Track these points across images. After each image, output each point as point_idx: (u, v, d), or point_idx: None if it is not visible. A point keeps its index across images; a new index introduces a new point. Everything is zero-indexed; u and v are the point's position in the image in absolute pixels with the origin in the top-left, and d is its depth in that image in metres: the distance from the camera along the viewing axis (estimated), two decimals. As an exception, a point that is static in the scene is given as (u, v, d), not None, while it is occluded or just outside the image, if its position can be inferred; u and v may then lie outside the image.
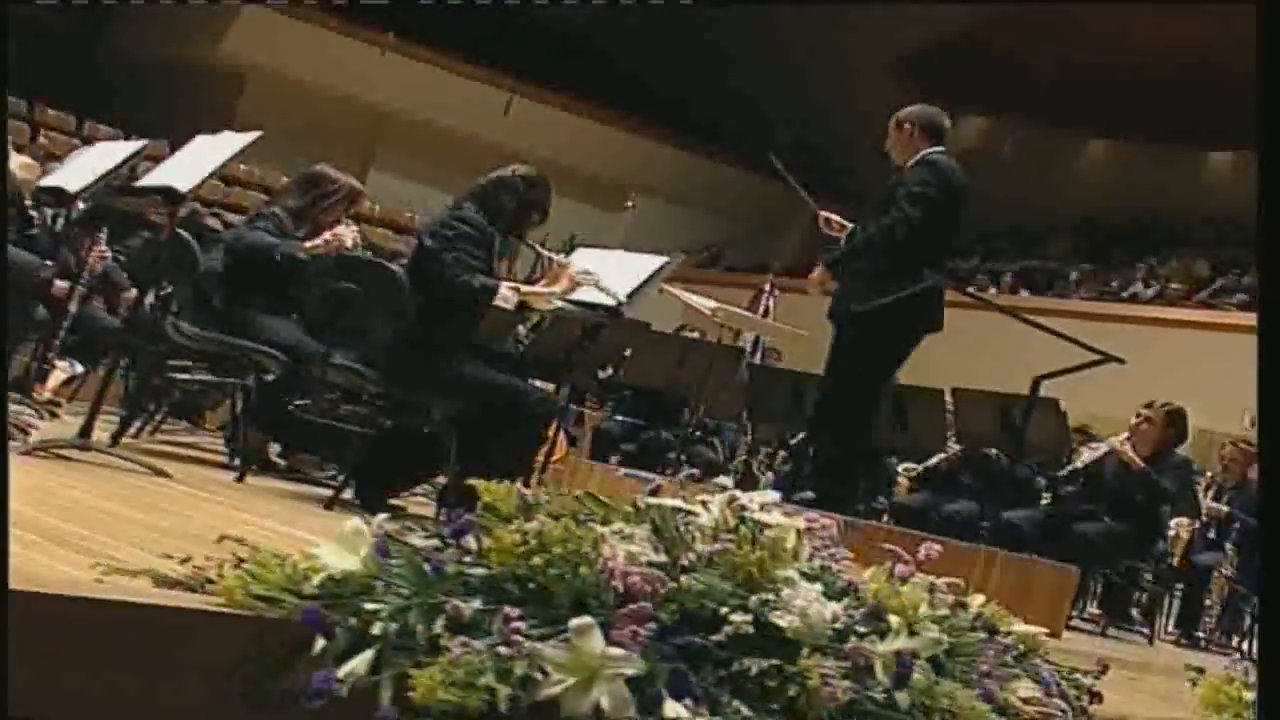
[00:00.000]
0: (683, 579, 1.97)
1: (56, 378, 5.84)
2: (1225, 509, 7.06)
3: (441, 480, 4.65)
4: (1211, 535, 7.02)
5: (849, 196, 22.20)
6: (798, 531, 2.18)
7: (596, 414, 8.09)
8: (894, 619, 2.06)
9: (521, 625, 1.80)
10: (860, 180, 21.67)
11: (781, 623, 1.95)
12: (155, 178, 4.21)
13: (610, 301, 4.55)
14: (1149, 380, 9.90)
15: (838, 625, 2.04)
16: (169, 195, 4.04)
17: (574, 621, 1.81)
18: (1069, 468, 6.42)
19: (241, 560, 1.90)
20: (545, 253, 4.89)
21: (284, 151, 17.62)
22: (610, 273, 4.69)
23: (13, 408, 4.70)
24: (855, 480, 5.32)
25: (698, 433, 7.61)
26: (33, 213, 3.83)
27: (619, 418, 7.32)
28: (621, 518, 2.15)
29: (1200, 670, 3.10)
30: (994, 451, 6.73)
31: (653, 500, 2.19)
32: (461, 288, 4.15)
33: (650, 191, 20.34)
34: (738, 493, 2.21)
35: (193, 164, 4.14)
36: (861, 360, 5.17)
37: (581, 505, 2.17)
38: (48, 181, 3.86)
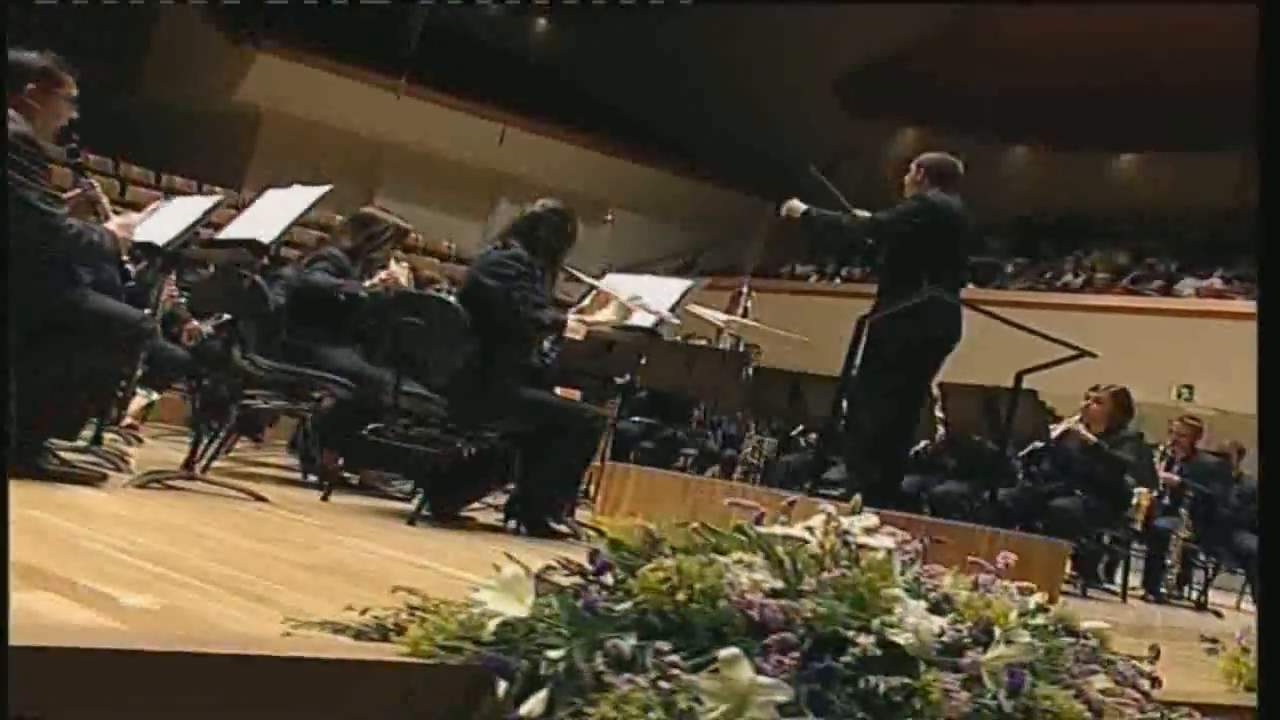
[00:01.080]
0: (803, 603, 1.90)
1: (136, 404, 5.74)
2: (1178, 478, 7.08)
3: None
4: (1166, 502, 7.02)
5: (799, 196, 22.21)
6: (888, 550, 2.12)
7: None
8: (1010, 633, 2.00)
9: (676, 659, 1.74)
10: (802, 187, 21.75)
11: (900, 640, 1.89)
12: (238, 231, 4.11)
13: (651, 322, 4.51)
14: (1084, 361, 9.93)
15: (945, 639, 1.97)
16: (253, 246, 3.94)
17: (723, 653, 1.73)
18: (1030, 446, 6.43)
19: (415, 609, 1.83)
20: (589, 280, 4.81)
21: (297, 182, 17.35)
22: (648, 296, 4.64)
23: (106, 437, 4.60)
24: (897, 475, 5.28)
25: (708, 430, 7.58)
26: (129, 266, 3.71)
27: (635, 419, 7.23)
28: (735, 546, 2.08)
29: (1215, 641, 3.06)
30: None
31: (764, 530, 2.12)
32: (536, 323, 4.12)
33: (627, 206, 20.34)
34: (836, 515, 2.15)
35: (271, 216, 4.05)
36: (895, 368, 5.11)
37: (699, 537, 2.10)
38: (139, 237, 3.75)
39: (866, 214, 5.42)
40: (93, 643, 1.55)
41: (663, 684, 1.70)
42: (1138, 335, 13.77)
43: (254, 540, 3.03)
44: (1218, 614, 6.73)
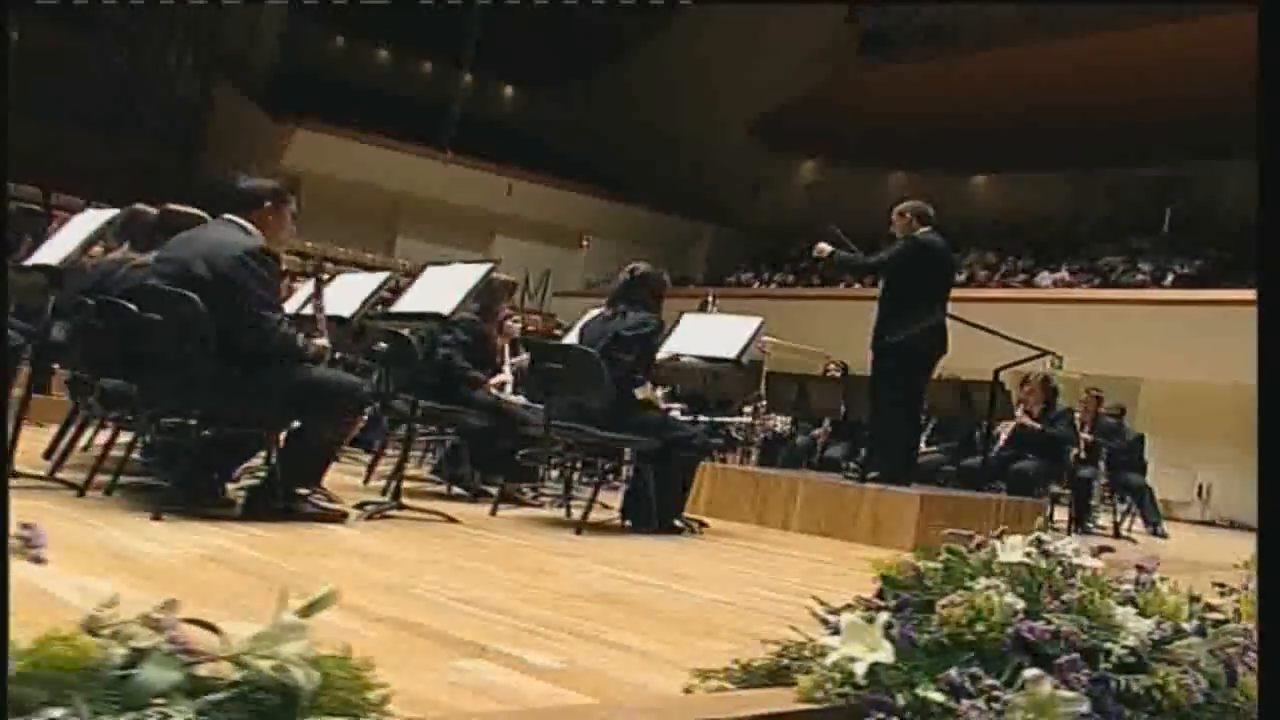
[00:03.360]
0: (1054, 621, 1.86)
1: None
2: (1091, 438, 7.21)
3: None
4: (1083, 457, 7.15)
5: (723, 219, 22.22)
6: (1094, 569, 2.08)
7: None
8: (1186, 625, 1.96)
9: (993, 683, 1.69)
10: (732, 212, 21.91)
11: (1133, 644, 1.86)
12: (416, 304, 3.95)
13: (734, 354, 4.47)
14: (976, 348, 10.12)
15: (1155, 637, 1.95)
16: (436, 318, 3.81)
17: (1027, 673, 1.69)
18: (999, 444, 6.44)
19: (783, 654, 1.76)
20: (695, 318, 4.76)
21: (334, 232, 17.19)
22: (725, 333, 4.59)
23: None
24: (911, 459, 5.26)
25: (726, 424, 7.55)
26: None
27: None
28: (979, 572, 2.03)
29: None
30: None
31: (1005, 559, 2.07)
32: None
33: (598, 233, 20.27)
34: (1045, 538, 2.11)
35: (443, 290, 3.90)
36: (901, 374, 5.12)
37: (958, 568, 2.05)
38: (328, 311, 3.61)
39: (874, 257, 5.41)
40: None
41: (991, 705, 1.66)
42: (1013, 319, 13.95)
43: (528, 574, 2.87)
44: (1132, 540, 6.89)
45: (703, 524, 4.44)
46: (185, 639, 1.08)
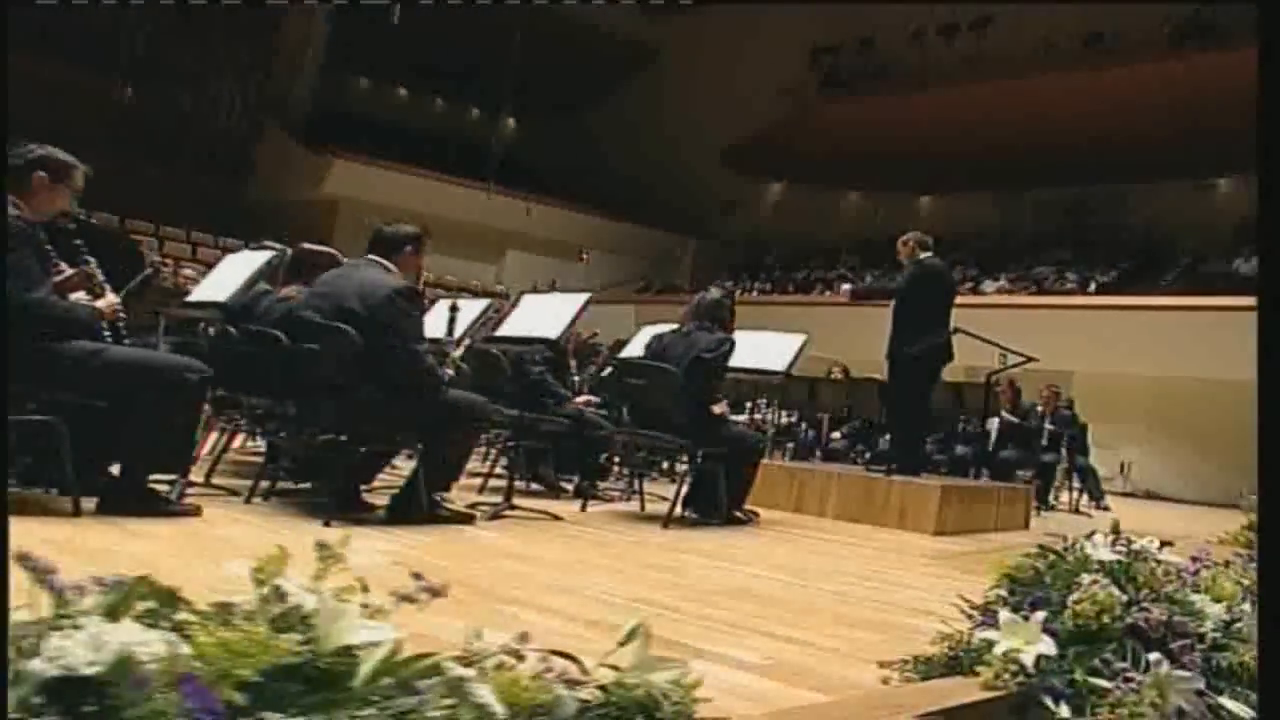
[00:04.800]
0: (1154, 610, 1.92)
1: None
2: (1052, 426, 7.33)
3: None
4: (1045, 443, 7.27)
5: (702, 234, 22.17)
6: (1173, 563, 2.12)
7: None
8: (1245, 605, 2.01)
9: (1124, 665, 1.74)
10: (710, 227, 21.97)
11: (1211, 626, 1.93)
12: (523, 329, 3.94)
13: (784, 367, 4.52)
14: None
15: (1225, 619, 2.01)
16: (545, 342, 3.82)
17: (1150, 656, 1.72)
18: (992, 441, 6.51)
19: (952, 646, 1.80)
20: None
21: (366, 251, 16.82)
22: (774, 348, 4.63)
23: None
24: (922, 452, 5.33)
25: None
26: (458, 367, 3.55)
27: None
28: (1080, 569, 2.07)
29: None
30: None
31: (1099, 557, 2.12)
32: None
33: (596, 247, 20.18)
34: (1130, 538, 2.17)
35: (547, 317, 3.89)
36: (914, 381, 5.18)
37: (1058, 565, 2.10)
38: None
39: (891, 284, 5.47)
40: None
41: (1130, 684, 1.71)
42: (966, 321, 14.13)
43: (662, 571, 2.85)
44: (1089, 515, 7.02)
45: (755, 514, 4.50)
46: (562, 668, 1.09)
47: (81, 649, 0.63)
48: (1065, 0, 15.22)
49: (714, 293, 4.39)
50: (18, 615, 0.73)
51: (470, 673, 0.92)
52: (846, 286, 5.43)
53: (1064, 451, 7.20)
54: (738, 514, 4.25)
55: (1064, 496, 7.48)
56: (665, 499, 4.38)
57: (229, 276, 3.58)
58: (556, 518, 3.79)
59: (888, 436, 5.79)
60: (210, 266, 4.25)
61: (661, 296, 18.58)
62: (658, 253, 20.85)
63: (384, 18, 16.19)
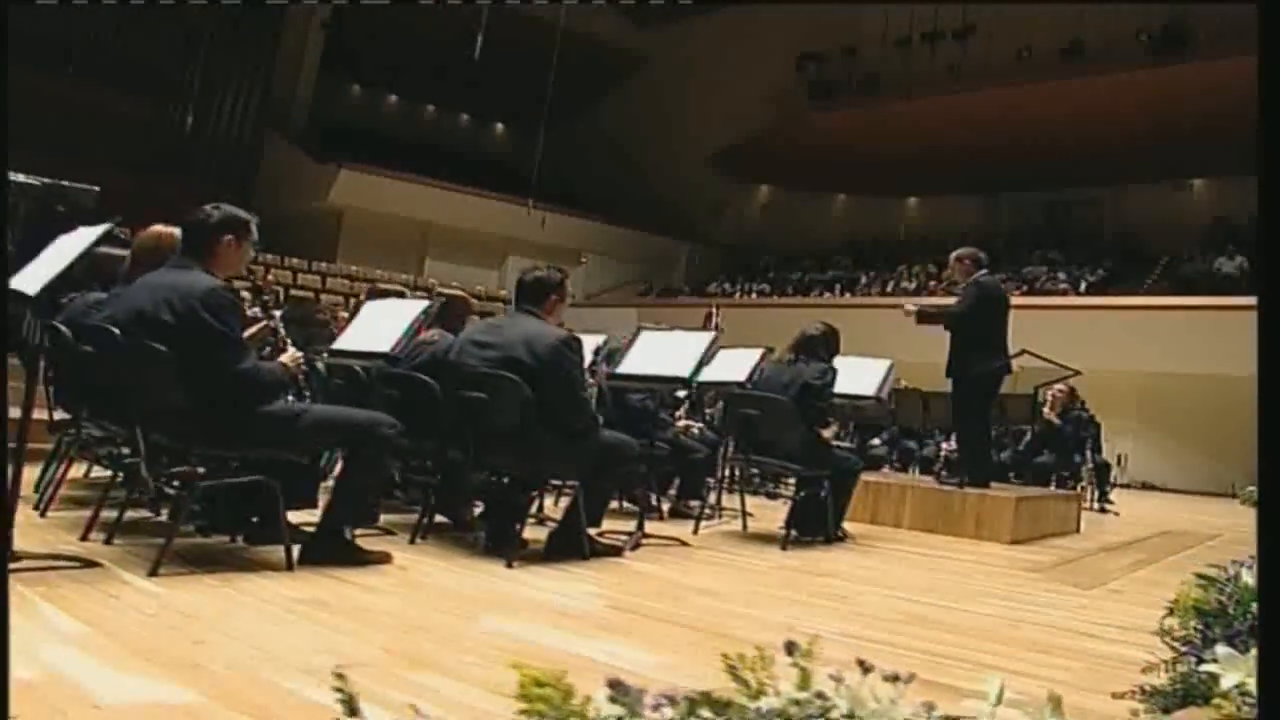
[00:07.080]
0: None
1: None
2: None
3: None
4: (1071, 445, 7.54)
5: (695, 236, 22.31)
6: None
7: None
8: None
9: None
10: (701, 230, 22.12)
11: None
12: (653, 367, 4.06)
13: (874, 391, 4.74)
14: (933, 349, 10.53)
15: None
16: (680, 381, 3.97)
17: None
18: (1025, 441, 6.70)
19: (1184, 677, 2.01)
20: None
21: (373, 256, 16.98)
22: (865, 374, 4.84)
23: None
24: (991, 464, 5.53)
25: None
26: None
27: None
28: (1252, 597, 2.27)
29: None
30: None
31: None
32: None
33: (595, 251, 20.32)
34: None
35: (675, 357, 4.01)
36: (979, 398, 5.35)
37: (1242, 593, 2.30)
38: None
39: (953, 309, 5.56)
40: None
41: None
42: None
43: (829, 599, 2.95)
44: (1116, 513, 7.29)
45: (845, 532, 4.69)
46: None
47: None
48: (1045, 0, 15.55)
49: (819, 325, 4.52)
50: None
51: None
52: (911, 307, 5.49)
53: (1088, 452, 7.49)
54: (838, 533, 4.47)
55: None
56: (749, 514, 4.54)
57: (385, 325, 3.67)
58: (684, 543, 3.97)
59: (943, 443, 5.98)
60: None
61: (661, 299, 18.73)
62: (652, 256, 21.00)
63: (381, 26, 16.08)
